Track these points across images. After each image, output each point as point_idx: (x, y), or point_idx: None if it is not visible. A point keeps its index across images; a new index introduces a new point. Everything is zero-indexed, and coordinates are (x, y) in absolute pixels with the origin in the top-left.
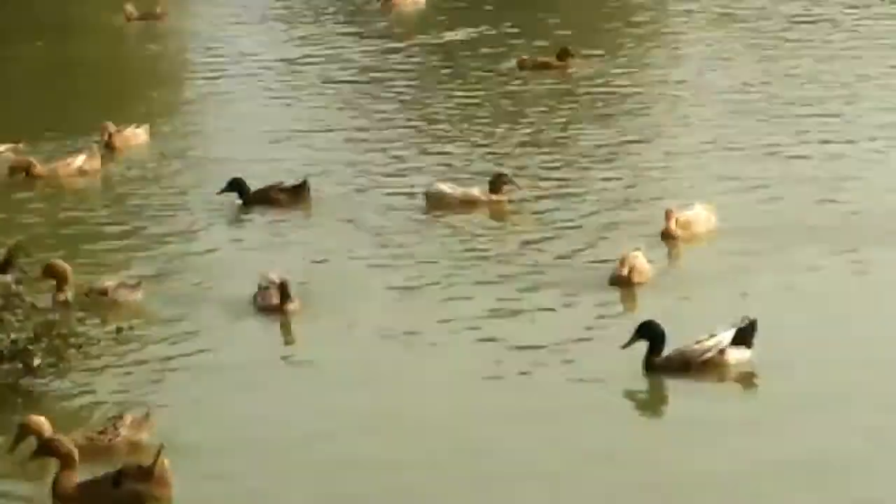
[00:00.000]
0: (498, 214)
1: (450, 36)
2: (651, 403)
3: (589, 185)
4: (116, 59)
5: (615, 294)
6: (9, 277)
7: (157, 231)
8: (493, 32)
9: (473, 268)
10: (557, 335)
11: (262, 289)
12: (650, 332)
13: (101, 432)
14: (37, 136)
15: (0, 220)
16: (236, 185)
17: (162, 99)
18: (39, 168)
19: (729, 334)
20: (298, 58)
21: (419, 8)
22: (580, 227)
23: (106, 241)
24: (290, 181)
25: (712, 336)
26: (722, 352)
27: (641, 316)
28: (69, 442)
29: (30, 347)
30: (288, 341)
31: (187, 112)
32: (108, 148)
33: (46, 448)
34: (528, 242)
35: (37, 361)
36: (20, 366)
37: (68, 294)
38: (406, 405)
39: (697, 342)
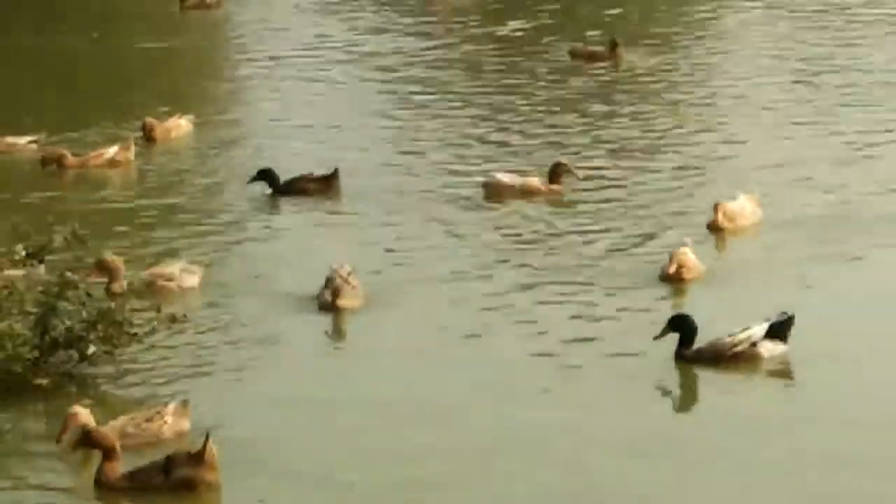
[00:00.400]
0: (556, 204)
1: (504, 26)
2: (679, 395)
3: (639, 175)
4: (168, 49)
5: (664, 289)
6: (41, 269)
7: (195, 221)
8: (546, 22)
9: (526, 257)
10: (604, 329)
11: (329, 280)
12: (681, 325)
13: (144, 421)
14: (84, 126)
15: (34, 212)
16: (266, 176)
17: (211, 89)
18: (70, 159)
19: (762, 328)
20: (351, 47)
21: None
22: (631, 218)
23: (142, 231)
24: (320, 171)
25: (745, 329)
26: (754, 345)
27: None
28: (111, 433)
29: (84, 335)
30: (342, 330)
31: (236, 102)
32: (149, 139)
33: (89, 439)
34: (580, 233)
35: (91, 349)
36: (75, 353)
37: (122, 284)
38: (451, 394)
39: (730, 335)
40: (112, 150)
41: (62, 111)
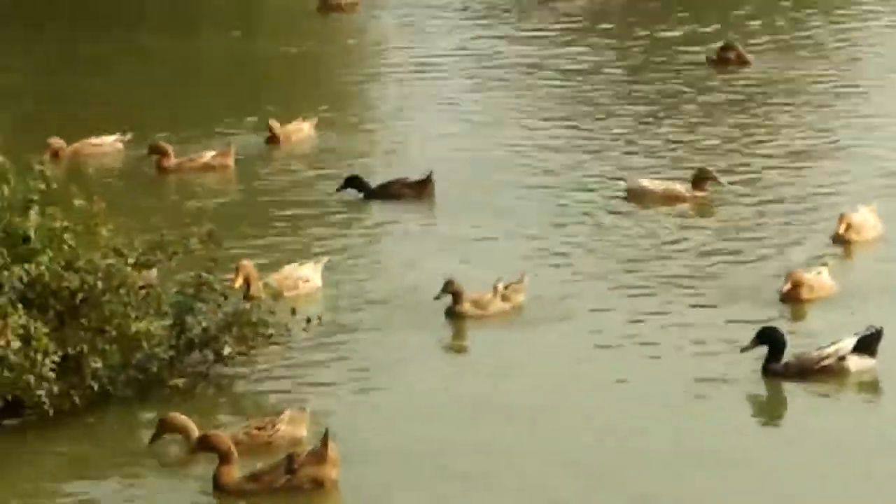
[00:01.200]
0: (700, 210)
1: (639, 32)
2: (763, 408)
3: (770, 185)
4: (301, 51)
5: (781, 308)
6: (153, 273)
7: (311, 224)
8: (685, 28)
9: (660, 264)
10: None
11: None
12: (769, 338)
13: (259, 428)
14: (208, 127)
15: (132, 214)
16: (354, 183)
17: (338, 92)
18: (167, 161)
19: (850, 342)
20: (485, 53)
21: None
22: (761, 229)
23: (255, 234)
24: (414, 175)
25: (833, 343)
26: (842, 359)
27: (803, 329)
28: (227, 437)
29: (220, 336)
30: (461, 338)
31: (361, 105)
32: (272, 142)
33: (205, 443)
34: (712, 243)
35: (227, 350)
36: (210, 354)
37: (259, 286)
38: (544, 397)
39: (818, 349)
40: (208, 155)
41: (189, 111)
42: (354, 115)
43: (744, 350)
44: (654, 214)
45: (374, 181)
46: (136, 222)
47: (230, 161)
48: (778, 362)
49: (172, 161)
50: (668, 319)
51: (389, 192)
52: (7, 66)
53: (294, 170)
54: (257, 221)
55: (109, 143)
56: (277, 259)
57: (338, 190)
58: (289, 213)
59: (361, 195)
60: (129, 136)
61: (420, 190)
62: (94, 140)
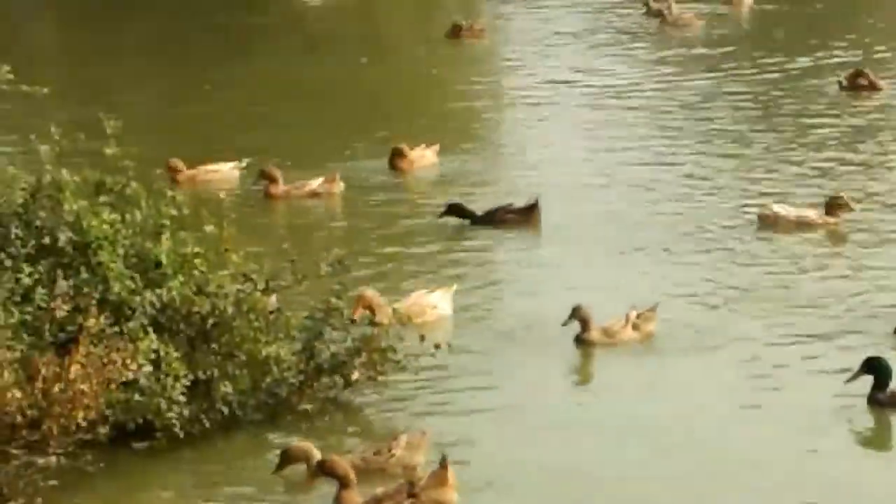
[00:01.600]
0: (833, 237)
1: (766, 59)
2: (870, 440)
3: None
4: (429, 77)
5: None
6: (273, 299)
7: (435, 251)
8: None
9: (791, 291)
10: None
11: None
12: (875, 368)
13: (376, 453)
14: (334, 154)
15: (249, 239)
16: (455, 210)
17: (461, 119)
18: (275, 188)
19: None
20: (608, 79)
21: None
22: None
23: (374, 261)
24: (520, 202)
25: None
26: None
27: None
28: (346, 462)
29: (349, 361)
30: (589, 365)
31: (483, 133)
32: (395, 168)
33: (324, 468)
34: (845, 270)
35: (355, 376)
36: (339, 379)
37: (387, 312)
38: (671, 425)
39: None
40: (315, 183)
41: (313, 137)
42: (477, 141)
43: (849, 380)
44: (786, 241)
45: (487, 207)
46: (256, 247)
47: (336, 188)
48: (884, 392)
49: (280, 188)
50: (798, 349)
51: (495, 218)
52: (134, 98)
53: (410, 196)
54: (368, 248)
55: (226, 170)
56: (390, 286)
57: (439, 217)
58: (400, 239)
59: (467, 222)
60: (245, 163)
61: (526, 216)
62: (210, 166)
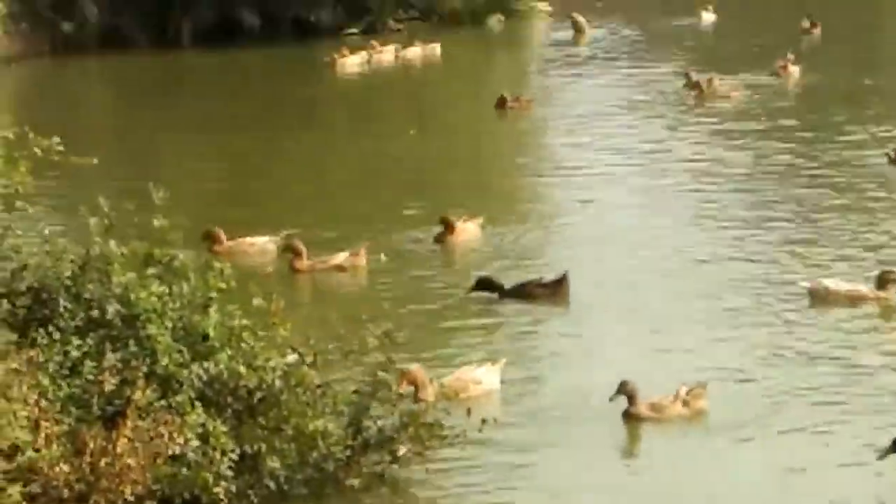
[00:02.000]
0: (885, 312)
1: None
2: None
3: None
4: (475, 150)
5: None
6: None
7: (449, 327)
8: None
9: (842, 371)
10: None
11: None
12: None
13: None
14: (378, 226)
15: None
16: (484, 284)
17: (508, 191)
18: (299, 262)
19: None
20: (655, 148)
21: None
22: None
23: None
24: (549, 276)
25: None
26: None
27: None
28: None
29: (396, 436)
30: (636, 440)
31: (532, 205)
32: (442, 239)
33: None
34: (889, 353)
35: (402, 451)
36: (386, 455)
37: (432, 389)
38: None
39: None
40: (340, 257)
41: (358, 209)
42: (521, 214)
43: (880, 457)
44: (837, 315)
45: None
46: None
47: (362, 261)
48: None
49: (305, 262)
50: (850, 429)
51: (524, 292)
52: (182, 171)
53: (448, 269)
54: (403, 321)
55: (263, 243)
56: (426, 359)
57: (468, 292)
58: (437, 313)
59: (496, 295)
60: (282, 236)
61: (555, 290)
62: (249, 239)
